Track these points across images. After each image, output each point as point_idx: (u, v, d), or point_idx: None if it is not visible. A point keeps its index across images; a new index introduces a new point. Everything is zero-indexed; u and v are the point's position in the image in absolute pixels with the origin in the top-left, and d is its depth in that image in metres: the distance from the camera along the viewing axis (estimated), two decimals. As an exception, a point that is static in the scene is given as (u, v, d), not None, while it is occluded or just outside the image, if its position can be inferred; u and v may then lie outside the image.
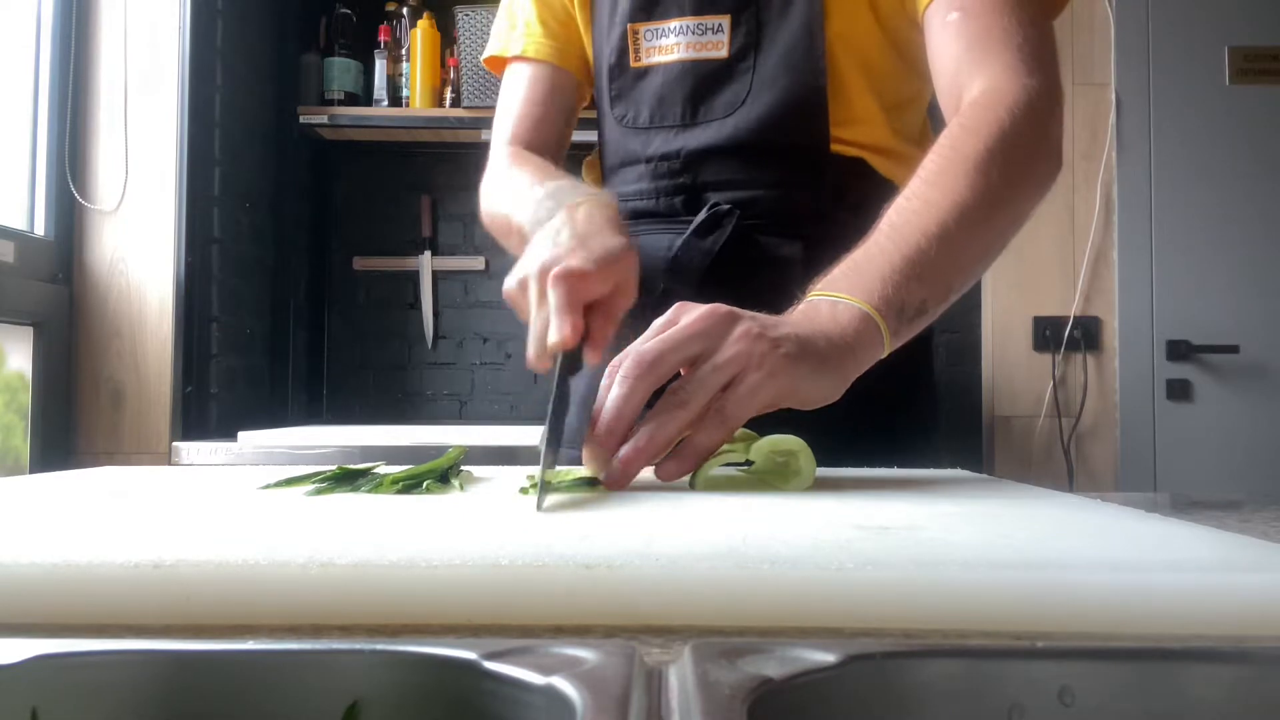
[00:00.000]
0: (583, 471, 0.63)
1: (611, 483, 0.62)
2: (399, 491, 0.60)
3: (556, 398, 0.66)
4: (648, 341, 0.64)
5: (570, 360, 0.69)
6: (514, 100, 1.07)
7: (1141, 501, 0.71)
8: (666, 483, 0.64)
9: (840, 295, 0.69)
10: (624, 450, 0.61)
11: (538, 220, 0.83)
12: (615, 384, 0.63)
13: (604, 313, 0.73)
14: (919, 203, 0.74)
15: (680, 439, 0.63)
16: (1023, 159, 0.77)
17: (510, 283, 0.75)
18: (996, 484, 0.72)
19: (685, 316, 0.65)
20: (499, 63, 1.10)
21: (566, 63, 1.06)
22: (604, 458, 0.62)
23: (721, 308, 0.65)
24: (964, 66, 0.82)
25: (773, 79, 0.92)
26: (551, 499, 0.57)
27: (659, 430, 0.61)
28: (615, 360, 0.65)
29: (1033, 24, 0.83)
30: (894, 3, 0.91)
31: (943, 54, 0.85)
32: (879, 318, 0.68)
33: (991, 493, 0.64)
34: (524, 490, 0.61)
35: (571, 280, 0.69)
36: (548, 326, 0.69)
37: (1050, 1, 0.89)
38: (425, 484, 0.62)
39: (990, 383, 2.33)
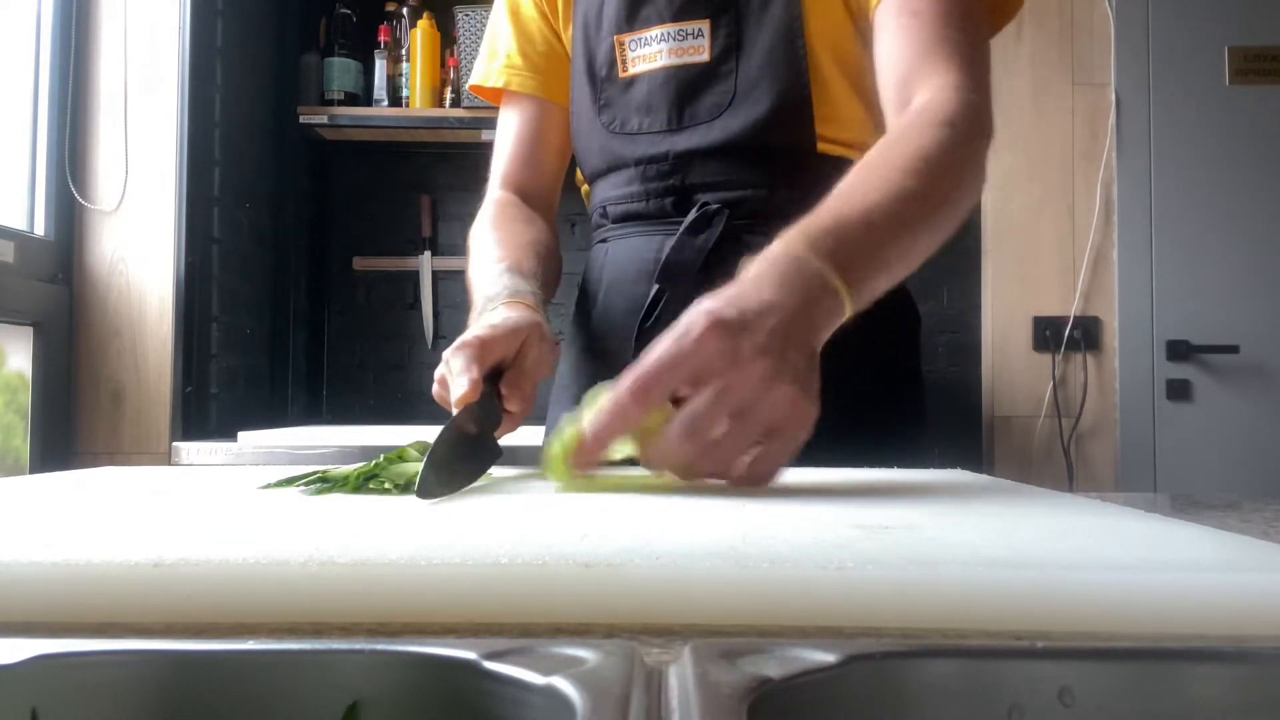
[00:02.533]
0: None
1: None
2: (400, 491, 0.60)
3: (445, 433, 0.66)
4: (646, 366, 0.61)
5: (484, 412, 0.72)
6: (506, 137, 1.09)
7: (1141, 501, 0.71)
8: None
9: (810, 256, 0.67)
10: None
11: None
12: (612, 398, 0.61)
13: (516, 371, 0.77)
14: (854, 187, 0.75)
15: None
16: (958, 165, 0.79)
17: (435, 386, 0.79)
18: (996, 484, 0.72)
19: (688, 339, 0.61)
20: (485, 92, 1.12)
21: (551, 94, 1.07)
22: (581, 468, 0.62)
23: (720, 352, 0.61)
24: (912, 71, 0.85)
25: (756, 80, 0.93)
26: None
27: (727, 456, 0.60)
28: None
29: (979, 37, 0.87)
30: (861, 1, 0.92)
31: (893, 54, 0.87)
32: (842, 285, 0.67)
33: (991, 493, 0.64)
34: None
35: (468, 347, 0.74)
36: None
37: (995, 16, 0.92)
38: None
39: (990, 383, 2.33)
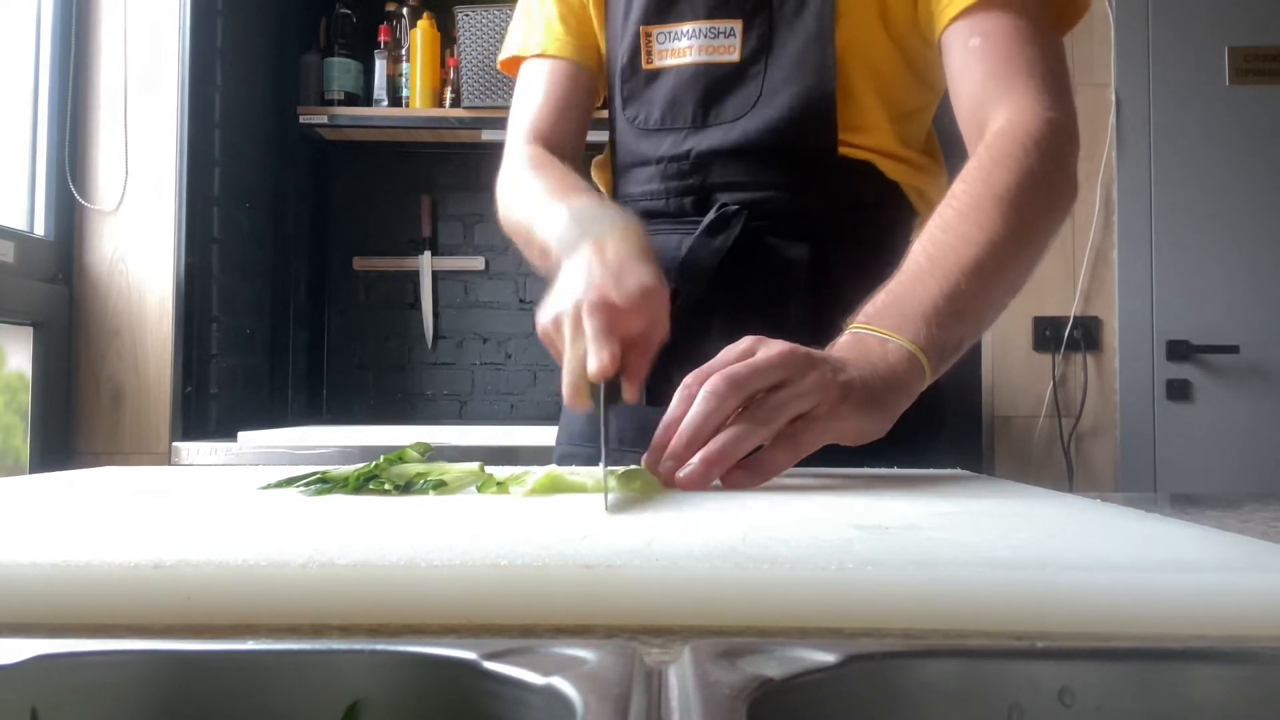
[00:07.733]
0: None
1: (688, 484, 0.63)
2: (400, 492, 0.60)
3: (604, 428, 0.68)
4: (732, 365, 0.66)
5: (610, 391, 0.71)
6: (533, 94, 1.07)
7: (1141, 501, 0.71)
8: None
9: (889, 334, 0.71)
10: (702, 454, 0.63)
11: (564, 245, 0.84)
12: (699, 399, 0.64)
13: (640, 348, 0.75)
14: (955, 237, 0.76)
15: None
16: (1048, 193, 0.80)
17: (544, 319, 0.77)
18: (996, 484, 0.72)
19: (764, 349, 0.67)
20: (517, 64, 1.10)
21: (585, 58, 1.06)
22: (676, 468, 0.64)
23: (800, 349, 0.67)
24: (987, 94, 0.84)
25: (783, 84, 0.93)
26: (614, 498, 0.58)
27: (738, 442, 0.64)
28: (690, 378, 0.67)
29: (1052, 53, 0.85)
30: (906, 17, 0.92)
31: (964, 79, 0.86)
32: (925, 359, 0.71)
33: (991, 493, 0.64)
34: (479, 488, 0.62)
35: (608, 310, 0.72)
36: (584, 361, 0.71)
37: (1062, 22, 0.90)
38: (422, 483, 0.62)
39: (990, 383, 2.33)
